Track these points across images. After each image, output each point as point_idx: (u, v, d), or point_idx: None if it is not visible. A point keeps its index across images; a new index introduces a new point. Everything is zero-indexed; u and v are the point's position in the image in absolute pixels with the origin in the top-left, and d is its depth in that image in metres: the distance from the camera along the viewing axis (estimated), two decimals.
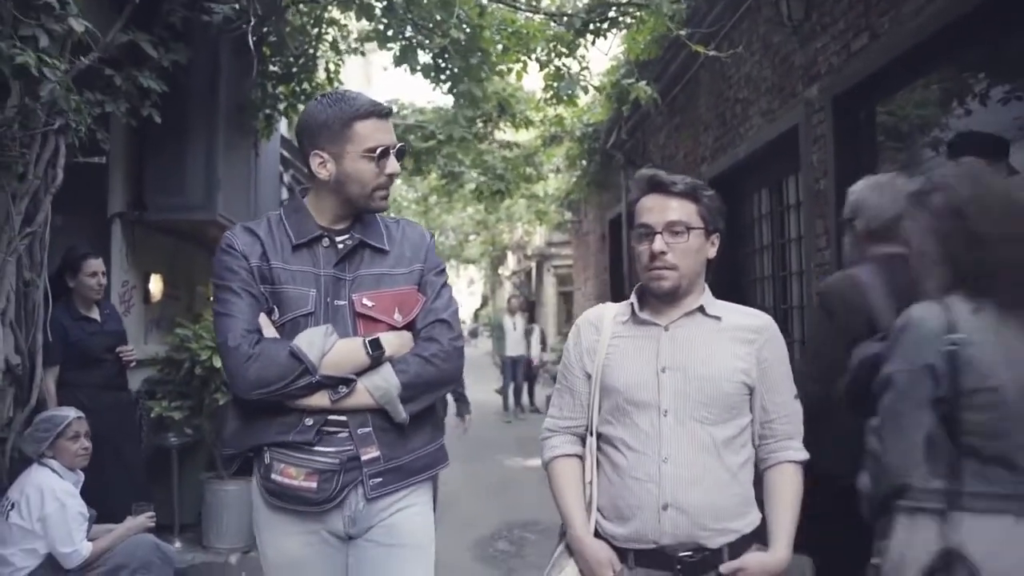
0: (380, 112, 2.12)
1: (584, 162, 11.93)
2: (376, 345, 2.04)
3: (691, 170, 8.02)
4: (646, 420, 1.98)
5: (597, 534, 2.01)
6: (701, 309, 2.05)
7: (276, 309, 2.07)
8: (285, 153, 9.03)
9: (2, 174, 3.49)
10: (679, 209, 2.01)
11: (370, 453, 2.04)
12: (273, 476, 2.02)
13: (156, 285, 6.08)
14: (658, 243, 1.99)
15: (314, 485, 2.00)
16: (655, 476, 1.93)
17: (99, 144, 4.22)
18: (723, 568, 1.92)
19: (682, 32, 5.54)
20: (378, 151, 2.08)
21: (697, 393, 1.97)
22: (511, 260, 30.98)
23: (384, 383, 2.03)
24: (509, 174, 11.18)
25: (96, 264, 4.52)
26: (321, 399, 2.01)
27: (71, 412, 3.70)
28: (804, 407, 2.12)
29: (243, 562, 5.24)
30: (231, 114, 6.09)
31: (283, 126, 7.90)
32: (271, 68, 6.46)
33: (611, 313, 2.14)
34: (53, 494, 3.47)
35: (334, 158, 2.09)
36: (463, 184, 11.72)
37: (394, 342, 2.08)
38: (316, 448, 2.01)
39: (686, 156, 8.38)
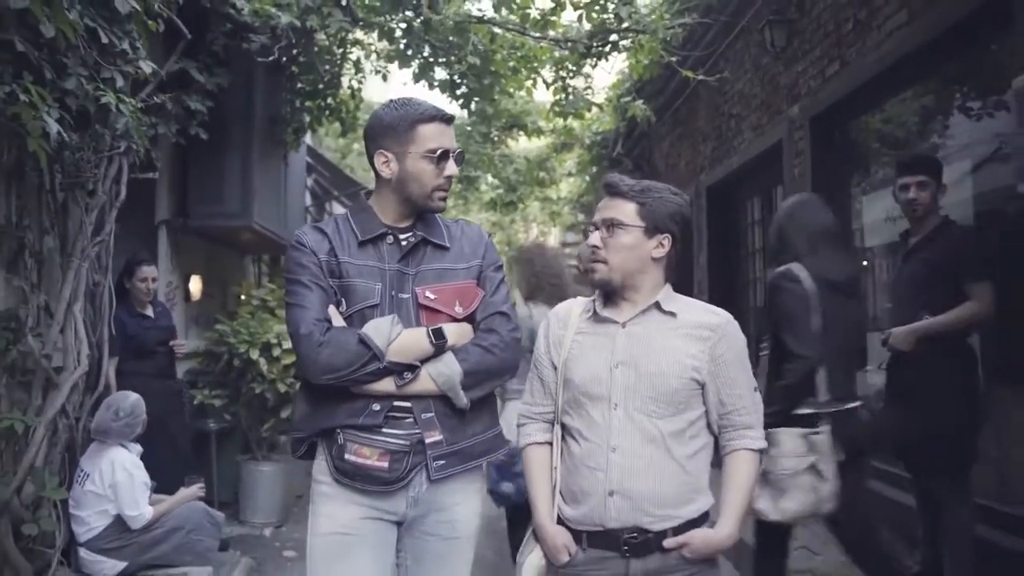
0: (443, 117, 2.23)
1: (594, 168, 12.44)
2: (439, 334, 2.14)
3: (691, 177, 8.53)
4: (598, 412, 2.09)
5: (560, 516, 2.14)
6: (656, 305, 2.14)
7: (344, 301, 2.17)
8: (309, 160, 9.62)
9: (77, 191, 4.06)
10: (617, 208, 2.12)
11: (434, 436, 2.13)
12: (347, 456, 2.11)
13: (196, 285, 6.66)
14: (592, 237, 2.14)
15: (386, 465, 2.10)
16: (603, 465, 2.05)
17: (152, 161, 4.80)
18: (667, 543, 2.04)
19: (673, 59, 6.04)
20: (438, 152, 2.18)
21: (646, 388, 2.06)
22: None
23: (447, 370, 2.12)
24: (523, 179, 11.72)
25: (148, 271, 5.10)
26: (387, 385, 2.11)
27: (128, 399, 4.25)
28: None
29: (276, 535, 5.81)
30: (264, 128, 6.65)
31: (308, 137, 8.48)
32: (299, 85, 7.02)
33: (578, 309, 2.24)
34: (123, 465, 4.05)
35: (397, 158, 2.20)
36: (479, 188, 12.28)
37: (455, 332, 2.17)
38: (386, 430, 2.11)
39: (687, 164, 8.88)
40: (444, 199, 2.25)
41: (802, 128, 5.68)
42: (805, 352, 3.21)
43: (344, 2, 6.01)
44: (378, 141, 2.23)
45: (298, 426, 2.23)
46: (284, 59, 6.15)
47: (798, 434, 3.15)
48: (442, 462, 2.14)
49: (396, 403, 2.12)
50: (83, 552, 4.02)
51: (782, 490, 3.15)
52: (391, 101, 2.29)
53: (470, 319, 2.23)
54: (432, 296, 2.19)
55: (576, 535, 2.10)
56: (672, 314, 2.12)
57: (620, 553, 2.04)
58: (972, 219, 4.09)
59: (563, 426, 2.18)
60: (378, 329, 2.09)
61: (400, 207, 2.25)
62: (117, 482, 4.04)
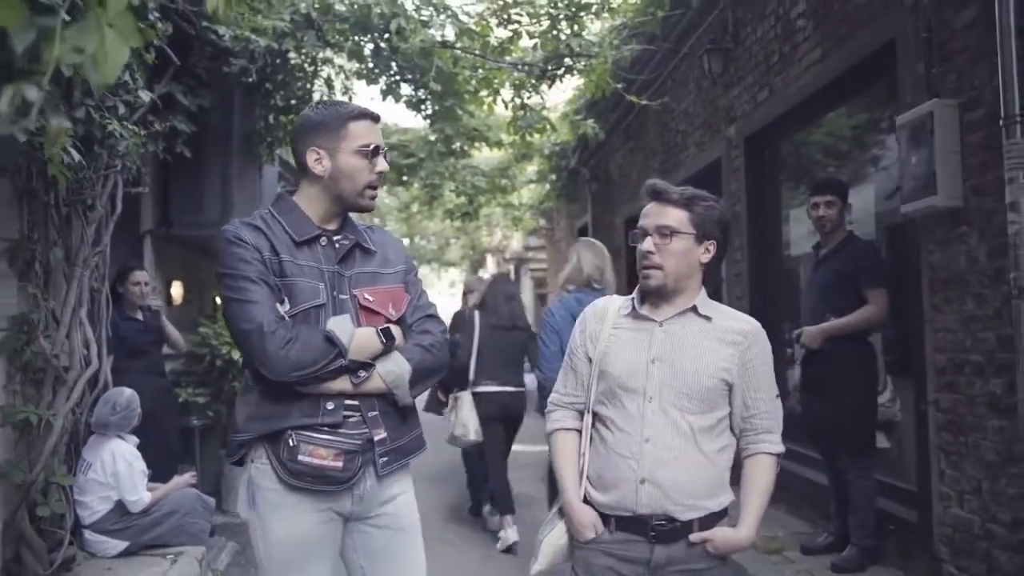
0: (372, 115, 2.28)
1: (553, 176, 13.00)
2: (388, 334, 2.20)
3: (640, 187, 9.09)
4: (633, 404, 2.15)
5: (586, 499, 2.21)
6: (694, 309, 2.19)
7: (287, 300, 2.16)
8: (280, 169, 10.04)
9: (79, 207, 4.48)
10: (669, 215, 2.16)
11: (380, 434, 2.19)
12: (300, 457, 2.11)
13: (177, 290, 7.08)
14: (646, 244, 2.17)
15: (340, 464, 2.13)
16: (636, 454, 2.11)
17: (142, 176, 5.23)
18: (692, 537, 2.10)
19: (619, 85, 6.60)
20: (371, 147, 2.23)
21: (680, 384, 2.12)
22: (490, 263, 31.87)
23: (397, 368, 2.20)
24: (484, 187, 12.25)
25: (140, 275, 5.54)
26: (343, 383, 2.15)
27: (123, 394, 4.67)
28: None
29: None
30: (241, 143, 7.08)
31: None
32: (273, 102, 7.45)
33: (615, 306, 2.31)
34: (123, 456, 4.48)
35: (329, 154, 2.21)
36: (442, 195, 12.78)
37: (398, 333, 2.26)
38: (340, 430, 2.14)
39: (639, 175, 9.43)
40: (374, 197, 2.30)
41: (738, 147, 6.27)
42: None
43: (316, 25, 6.48)
44: (309, 139, 2.23)
45: (243, 428, 2.19)
46: (259, 78, 6.58)
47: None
48: (386, 459, 2.21)
49: (347, 402, 2.16)
50: (88, 533, 4.44)
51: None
52: (318, 102, 2.37)
53: (399, 322, 2.30)
54: (371, 298, 2.24)
55: (604, 518, 2.17)
56: (707, 318, 2.19)
57: (647, 538, 2.11)
58: (874, 233, 4.67)
59: (595, 415, 2.24)
60: (342, 328, 2.13)
61: (330, 206, 2.27)
62: (118, 471, 4.46)
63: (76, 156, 3.50)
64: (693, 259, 2.18)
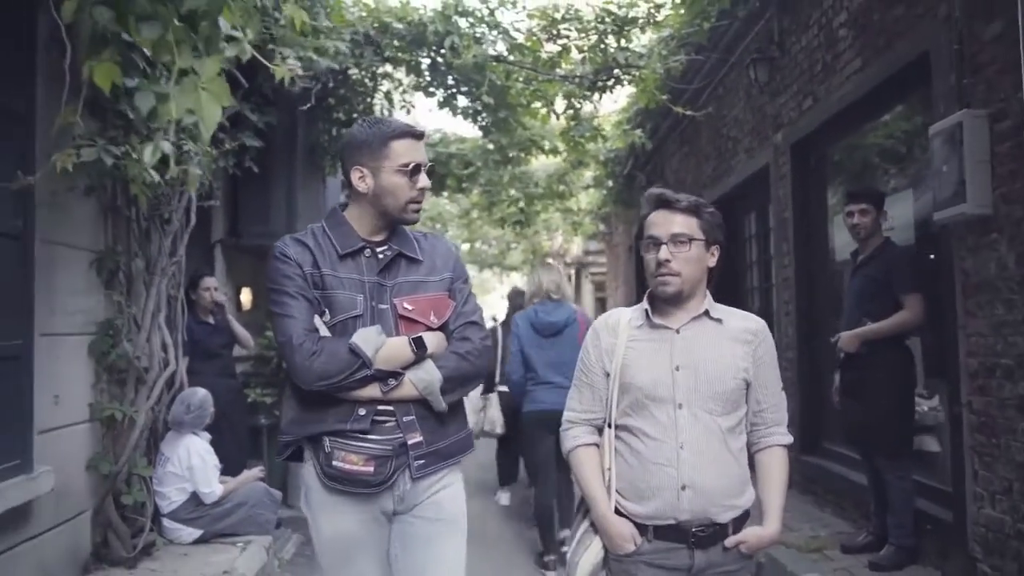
0: (414, 133, 2.34)
1: (610, 182, 13.16)
2: (420, 343, 2.27)
3: (696, 193, 9.09)
4: (663, 413, 2.16)
5: (618, 512, 2.19)
6: (706, 313, 2.24)
7: (327, 311, 2.25)
8: (343, 178, 10.44)
9: (157, 221, 4.85)
10: (682, 223, 2.20)
11: (414, 438, 2.26)
12: (335, 463, 2.21)
13: (246, 296, 7.48)
14: (663, 252, 2.19)
15: (371, 469, 2.21)
16: (674, 461, 2.12)
17: (213, 191, 5.60)
18: (727, 542, 2.14)
19: (665, 96, 6.76)
20: (411, 166, 2.30)
21: (706, 388, 2.16)
22: None
23: (428, 376, 2.25)
24: (543, 192, 12.50)
25: (210, 281, 5.93)
26: (373, 391, 2.22)
27: (197, 394, 5.03)
28: None
29: None
30: (305, 156, 7.45)
31: None
32: (335, 115, 7.81)
33: (626, 318, 2.31)
34: (197, 451, 4.84)
35: (372, 173, 2.30)
36: (500, 201, 13.08)
37: (433, 340, 2.31)
38: (370, 436, 2.22)
39: (693, 180, 9.54)
40: (418, 211, 2.36)
41: (784, 154, 6.37)
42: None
43: (375, 43, 6.80)
44: (354, 158, 2.32)
45: (286, 430, 2.34)
46: (322, 95, 6.93)
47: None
48: (422, 461, 2.27)
49: (379, 408, 2.23)
50: (166, 522, 4.81)
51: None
52: (364, 120, 2.42)
53: (443, 328, 2.36)
54: (410, 307, 2.30)
55: (640, 529, 2.16)
56: (719, 320, 2.25)
57: (687, 544, 2.13)
58: (913, 240, 4.75)
59: (621, 428, 2.24)
60: (366, 339, 2.20)
61: (376, 220, 2.35)
62: (193, 465, 4.83)
63: (156, 176, 3.84)
64: (704, 265, 2.24)
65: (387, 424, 2.24)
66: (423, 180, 2.33)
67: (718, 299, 2.32)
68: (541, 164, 12.70)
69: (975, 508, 3.79)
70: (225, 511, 4.93)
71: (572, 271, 28.02)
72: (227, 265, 7.06)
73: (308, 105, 6.20)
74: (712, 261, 2.26)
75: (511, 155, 8.84)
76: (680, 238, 2.19)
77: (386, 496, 2.27)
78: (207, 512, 4.88)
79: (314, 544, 2.38)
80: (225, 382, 5.84)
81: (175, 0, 2.68)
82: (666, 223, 2.21)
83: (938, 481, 4.40)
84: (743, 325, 2.26)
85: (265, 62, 2.99)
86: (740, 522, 2.17)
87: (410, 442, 2.25)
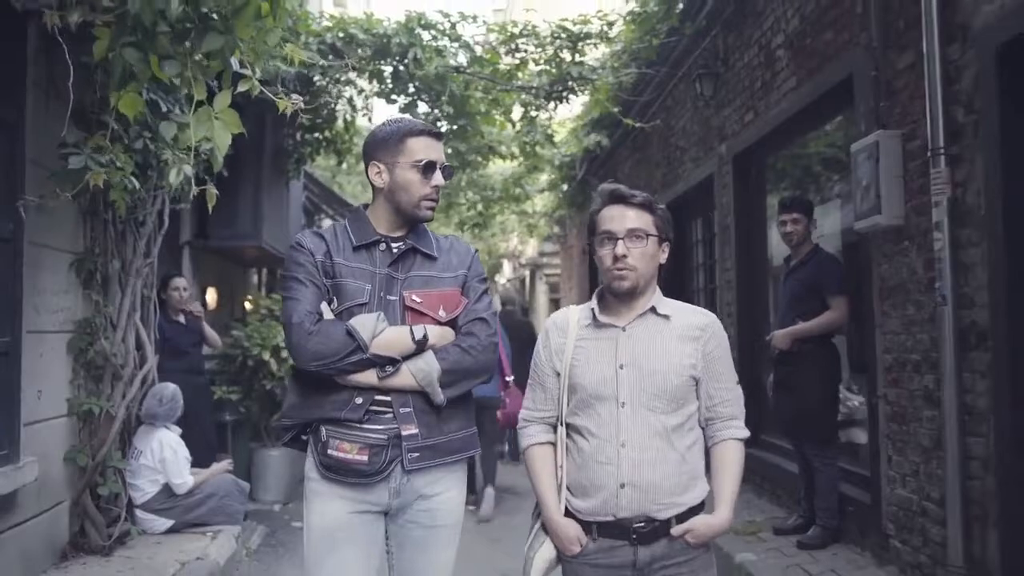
0: (431, 132, 2.40)
1: (564, 185, 13.55)
2: (421, 332, 2.28)
3: None
4: (606, 411, 2.17)
5: (568, 510, 2.22)
6: (653, 310, 2.24)
7: (335, 299, 2.30)
8: (307, 184, 10.66)
9: (133, 223, 5.06)
10: (637, 218, 2.20)
11: (410, 430, 2.25)
12: (330, 452, 2.24)
13: (212, 296, 7.68)
14: (620, 247, 2.18)
15: (365, 459, 2.23)
16: (614, 459, 2.14)
17: (187, 194, 5.81)
18: (674, 531, 2.14)
19: (616, 109, 7.15)
20: (424, 163, 2.33)
21: (650, 386, 2.16)
22: (507, 268, 32.39)
23: (426, 366, 2.26)
24: (499, 195, 12.85)
25: (180, 282, 6.15)
26: (369, 377, 2.23)
27: (167, 388, 5.25)
28: None
29: (284, 510, 6.82)
30: (270, 161, 7.68)
31: None
32: (299, 120, 8.04)
33: (575, 317, 2.32)
34: (169, 444, 5.07)
35: (388, 168, 2.35)
36: (460, 204, 13.41)
37: (436, 333, 2.32)
38: (365, 425, 2.23)
39: (644, 186, 9.93)
40: (432, 208, 2.39)
41: (727, 164, 6.77)
42: None
43: (341, 54, 7.06)
44: (372, 154, 2.39)
45: (287, 414, 2.37)
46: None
47: None
48: (416, 454, 2.26)
49: (377, 398, 2.25)
50: (139, 512, 5.02)
51: None
52: (388, 119, 2.48)
53: (452, 324, 2.37)
54: (418, 299, 2.33)
55: (586, 526, 2.19)
56: (666, 317, 2.24)
57: (629, 541, 2.15)
58: (840, 246, 5.17)
59: (570, 426, 2.26)
60: (363, 323, 2.23)
61: (393, 216, 2.39)
62: (165, 457, 5.05)
63: (136, 183, 4.08)
64: (657, 261, 2.24)
65: (385, 415, 2.25)
66: (437, 178, 2.36)
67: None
68: (498, 168, 13.05)
69: (889, 490, 4.20)
70: (196, 502, 5.16)
71: (527, 272, 28.43)
72: (194, 266, 7.27)
73: (280, 112, 6.42)
74: (663, 257, 2.27)
75: (469, 159, 9.15)
76: (637, 233, 2.19)
77: (381, 488, 2.28)
78: (179, 503, 5.11)
79: (304, 536, 2.37)
80: (194, 379, 6.06)
81: (192, 41, 2.97)
82: (621, 218, 2.21)
83: (860, 467, 4.81)
84: (691, 321, 2.25)
85: (271, 96, 3.28)
86: (685, 519, 2.16)
87: (404, 433, 2.25)
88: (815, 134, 5.66)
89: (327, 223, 13.04)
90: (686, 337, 2.22)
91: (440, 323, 2.34)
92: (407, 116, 2.60)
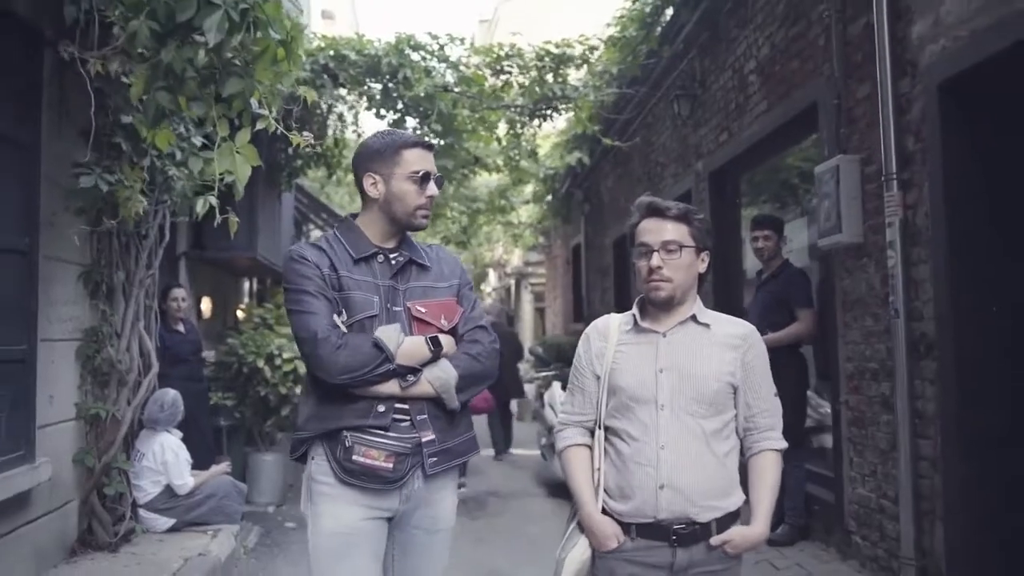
0: (424, 144, 2.46)
1: (549, 197, 13.88)
2: (436, 342, 2.35)
3: (629, 213, 9.94)
4: (646, 414, 2.21)
5: (605, 512, 2.24)
6: (693, 318, 2.28)
7: (344, 311, 2.34)
8: (298, 196, 10.93)
9: (136, 236, 5.31)
10: (673, 230, 2.23)
11: (428, 436, 2.34)
12: (355, 457, 2.28)
13: (206, 305, 7.92)
14: (655, 259, 2.22)
15: (391, 465, 2.29)
16: (653, 461, 2.17)
17: (188, 207, 6.07)
18: (712, 540, 2.15)
19: (596, 128, 7.47)
20: (420, 174, 2.39)
21: (689, 390, 2.19)
22: (492, 277, 32.67)
23: (444, 374, 2.34)
24: (485, 207, 13.17)
25: (179, 292, 6.39)
26: (392, 387, 2.30)
27: (168, 395, 5.50)
28: None
29: (277, 512, 7.05)
30: (263, 174, 7.93)
31: None
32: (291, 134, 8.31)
33: (616, 323, 2.36)
34: (170, 447, 5.31)
35: (384, 179, 2.39)
36: (443, 215, 13.71)
37: (446, 342, 2.40)
38: (390, 433, 2.30)
39: (625, 200, 10.27)
40: (426, 217, 2.45)
41: (704, 180, 7.10)
42: None
43: (332, 73, 7.35)
44: (366, 165, 2.43)
45: (303, 427, 2.39)
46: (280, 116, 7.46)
47: None
48: (435, 459, 2.34)
49: (396, 407, 2.31)
50: (142, 512, 5.25)
51: None
52: (378, 131, 2.53)
53: (452, 332, 2.45)
54: (423, 309, 2.40)
55: (625, 528, 2.21)
56: (706, 325, 2.28)
57: (668, 543, 2.17)
58: (808, 261, 5.49)
59: (608, 429, 2.30)
60: (388, 336, 2.29)
61: (387, 226, 2.44)
62: (166, 460, 5.29)
63: (145, 201, 4.34)
64: (694, 270, 2.28)
65: (403, 423, 2.32)
66: (431, 188, 2.42)
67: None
68: (483, 180, 13.37)
69: (851, 489, 4.51)
70: (196, 502, 5.39)
71: (512, 281, 28.74)
72: (190, 276, 7.50)
73: (275, 129, 6.70)
74: (702, 267, 2.30)
75: (455, 175, 9.45)
76: (671, 245, 2.22)
77: (395, 494, 2.35)
78: (180, 503, 5.34)
79: (309, 541, 2.40)
80: (193, 386, 6.30)
81: (216, 85, 3.26)
82: (657, 230, 2.25)
83: (827, 468, 5.12)
84: (731, 330, 2.30)
85: (286, 133, 3.60)
86: (725, 523, 2.19)
87: (424, 440, 2.32)
88: (785, 154, 5.99)
89: (316, 233, 13.33)
90: (726, 345, 2.26)
91: (443, 331, 2.41)
92: (398, 129, 2.69)
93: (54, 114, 4.37)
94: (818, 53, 4.84)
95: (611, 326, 2.36)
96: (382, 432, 2.30)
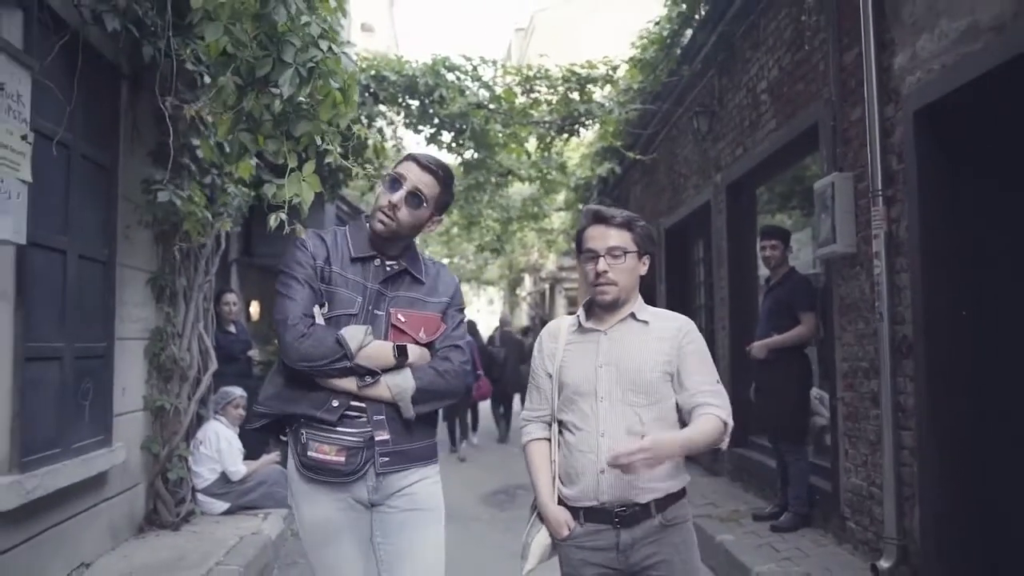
0: (417, 159, 2.53)
1: (580, 205, 14.30)
2: (402, 351, 2.42)
3: (655, 220, 10.34)
4: (587, 405, 2.38)
5: (560, 499, 2.42)
6: (632, 315, 2.44)
7: (327, 305, 2.42)
8: (339, 205, 11.50)
9: (197, 246, 5.86)
10: (617, 237, 2.38)
11: (382, 435, 2.41)
12: (310, 453, 2.38)
13: (255, 308, 8.49)
14: (601, 264, 2.37)
15: (343, 459, 2.36)
16: (594, 448, 2.33)
17: (242, 217, 6.63)
18: (620, 454, 2.16)
19: (619, 143, 7.91)
20: (390, 178, 2.50)
21: (627, 382, 2.35)
22: (527, 282, 33.10)
23: (404, 383, 2.41)
24: (520, 214, 13.66)
25: (230, 297, 6.96)
26: (349, 384, 2.37)
27: (237, 391, 6.08)
28: None
29: None
30: None
31: None
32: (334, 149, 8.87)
33: (566, 325, 2.54)
34: (226, 437, 5.86)
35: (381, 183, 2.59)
36: (479, 222, 14.22)
37: (416, 352, 2.46)
38: (341, 428, 2.37)
39: (652, 208, 10.67)
40: (382, 222, 2.47)
41: (722, 192, 7.49)
42: None
43: (372, 91, 7.89)
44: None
45: (263, 403, 2.50)
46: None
47: None
48: (386, 459, 2.42)
49: (352, 403, 2.38)
50: (200, 496, 5.80)
51: None
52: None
53: (430, 346, 2.52)
54: (403, 319, 2.47)
55: (574, 512, 2.39)
56: (645, 322, 2.44)
57: (612, 525, 2.34)
58: (811, 269, 5.88)
59: (560, 422, 2.46)
60: (353, 335, 2.36)
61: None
62: (221, 449, 5.84)
63: (209, 216, 4.88)
64: (636, 273, 2.44)
65: (359, 419, 2.39)
66: (397, 195, 2.46)
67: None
68: (517, 189, 13.85)
69: (845, 479, 4.89)
70: (248, 488, 5.93)
71: (547, 286, 29.16)
72: (240, 281, 8.08)
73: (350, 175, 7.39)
74: (643, 270, 2.46)
75: (487, 186, 9.95)
76: (615, 251, 2.38)
77: (359, 486, 2.43)
78: (233, 488, 5.88)
79: (299, 530, 2.56)
80: (244, 382, 6.84)
81: (289, 124, 3.84)
82: (602, 237, 2.39)
83: (826, 461, 5.50)
84: (667, 324, 2.45)
85: (348, 165, 4.22)
86: (664, 503, 2.35)
87: (377, 439, 2.40)
88: (792, 169, 6.37)
89: None
90: (663, 338, 2.41)
91: (419, 344, 2.48)
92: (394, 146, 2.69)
93: (128, 139, 4.93)
94: (819, 77, 5.23)
95: (561, 328, 2.53)
96: (331, 426, 2.37)
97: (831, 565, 4.54)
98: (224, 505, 5.85)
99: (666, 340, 2.41)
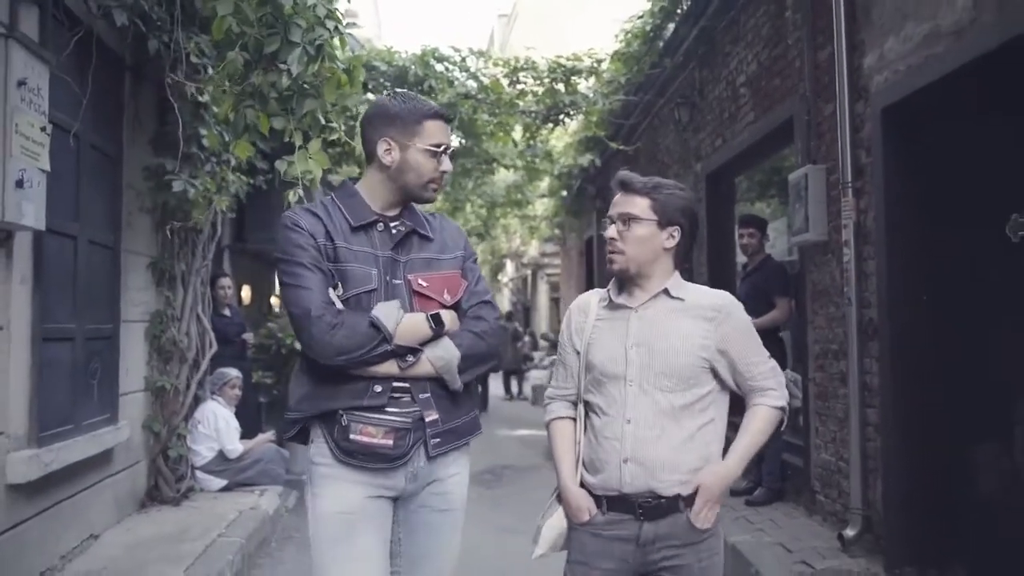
0: (445, 116, 2.34)
1: (563, 192, 14.57)
2: (438, 320, 2.21)
3: None
4: (615, 389, 2.22)
5: (583, 484, 2.27)
6: (666, 291, 2.24)
7: (340, 285, 2.18)
8: (324, 190, 11.70)
9: (194, 232, 6.04)
10: (632, 204, 2.23)
11: (431, 415, 2.22)
12: (352, 436, 2.15)
13: (247, 292, 8.67)
14: (610, 231, 2.25)
15: (391, 442, 2.17)
16: (619, 435, 2.19)
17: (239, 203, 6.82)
18: (680, 492, 2.13)
19: (603, 133, 8.15)
20: (441, 147, 2.28)
21: (659, 365, 2.18)
22: (509, 268, 33.33)
23: (446, 354, 2.21)
24: (503, 200, 13.89)
25: (225, 281, 7.15)
26: (391, 367, 2.17)
27: (233, 372, 6.28)
28: None
29: None
30: None
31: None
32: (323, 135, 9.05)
33: (595, 299, 2.37)
34: (223, 417, 6.07)
35: (400, 147, 2.25)
36: (463, 208, 14.45)
37: (448, 318, 2.25)
38: (388, 409, 2.17)
39: None
40: (436, 191, 2.35)
41: (702, 181, 7.75)
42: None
43: (363, 83, 8.05)
44: (383, 129, 2.26)
45: (296, 407, 2.25)
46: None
47: None
48: (438, 440, 2.24)
49: (394, 384, 2.19)
50: (199, 473, 6.01)
51: None
52: (397, 93, 2.41)
53: (455, 306, 2.32)
54: (424, 283, 2.27)
55: (597, 500, 2.23)
56: (680, 299, 2.25)
57: (635, 516, 2.18)
58: (786, 256, 6.15)
59: (586, 404, 2.31)
60: (387, 314, 2.15)
61: (392, 195, 2.31)
62: (218, 428, 6.05)
63: (214, 202, 5.08)
64: (656, 245, 2.23)
65: (403, 399, 2.21)
66: (446, 163, 2.32)
67: None
68: (502, 176, 14.08)
69: (816, 455, 5.18)
70: (245, 465, 6.15)
71: (529, 272, 29.44)
72: (233, 266, 8.26)
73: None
74: (670, 243, 2.25)
75: (474, 173, 10.18)
76: (625, 217, 2.23)
77: (399, 473, 2.23)
78: (230, 466, 6.10)
79: (309, 524, 2.27)
80: (239, 364, 7.05)
81: (295, 102, 4.05)
82: (619, 204, 2.27)
83: (798, 439, 5.79)
84: (705, 302, 2.26)
85: (351, 143, 4.44)
86: (694, 497, 2.17)
87: (427, 419, 2.22)
88: (770, 160, 6.64)
89: None
90: (700, 318, 2.22)
91: (445, 307, 2.29)
92: (417, 95, 2.49)
93: (130, 128, 5.11)
94: (794, 73, 5.48)
95: (591, 302, 2.36)
96: (378, 409, 2.18)
97: (801, 535, 4.83)
98: (222, 482, 6.07)
99: (703, 320, 2.23)
